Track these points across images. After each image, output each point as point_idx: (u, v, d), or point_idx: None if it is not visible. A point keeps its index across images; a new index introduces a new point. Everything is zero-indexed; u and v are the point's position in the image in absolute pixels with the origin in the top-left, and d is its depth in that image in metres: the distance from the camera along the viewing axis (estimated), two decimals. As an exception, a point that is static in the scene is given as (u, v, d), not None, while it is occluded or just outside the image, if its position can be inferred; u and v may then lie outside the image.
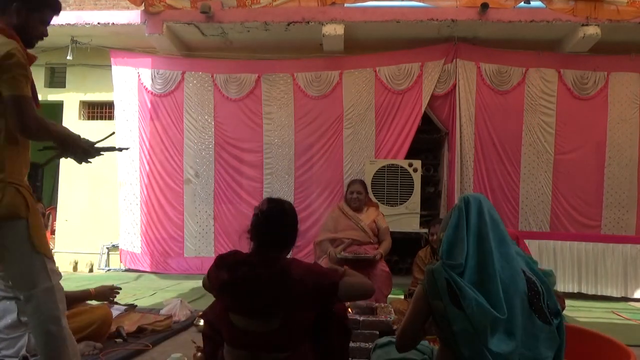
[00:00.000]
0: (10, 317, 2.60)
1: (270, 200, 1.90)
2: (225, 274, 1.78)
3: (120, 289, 3.27)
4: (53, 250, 7.29)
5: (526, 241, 4.81)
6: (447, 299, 1.61)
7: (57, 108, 7.29)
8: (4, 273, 1.94)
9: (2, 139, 1.80)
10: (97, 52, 6.83)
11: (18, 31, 1.84)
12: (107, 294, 3.10)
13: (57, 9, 1.97)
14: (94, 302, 3.17)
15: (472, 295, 1.57)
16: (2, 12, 1.84)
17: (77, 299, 2.82)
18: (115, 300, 3.31)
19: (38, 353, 2.53)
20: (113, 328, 3.04)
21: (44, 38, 1.97)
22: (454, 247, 1.69)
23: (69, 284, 5.43)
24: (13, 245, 1.78)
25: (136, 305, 3.70)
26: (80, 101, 7.11)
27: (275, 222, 1.85)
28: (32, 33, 1.91)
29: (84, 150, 1.98)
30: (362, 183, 4.52)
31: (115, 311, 3.25)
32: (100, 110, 7.22)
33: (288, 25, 6.16)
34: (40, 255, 1.81)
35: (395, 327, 2.80)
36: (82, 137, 1.99)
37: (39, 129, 1.80)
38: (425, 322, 1.75)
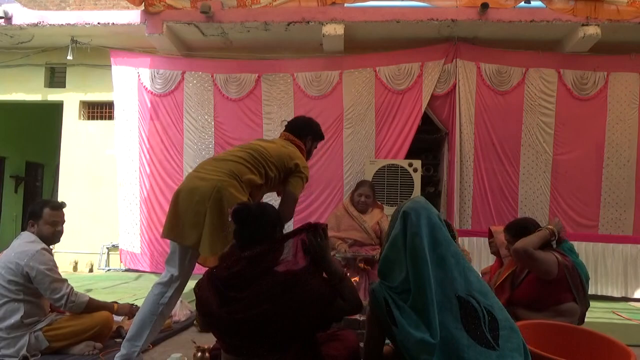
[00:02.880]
0: (14, 318, 2.64)
1: (238, 204, 2.06)
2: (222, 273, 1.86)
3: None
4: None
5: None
6: (386, 317, 1.62)
7: (57, 108, 7.29)
8: None
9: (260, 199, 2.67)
10: (97, 52, 6.84)
11: (305, 151, 2.86)
12: (129, 311, 3.16)
13: (322, 140, 3.04)
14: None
15: (399, 317, 1.57)
16: (300, 137, 2.85)
17: (104, 307, 2.98)
18: (116, 300, 3.31)
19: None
20: (113, 328, 3.05)
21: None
22: (391, 268, 1.66)
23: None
24: None
25: (137, 306, 3.68)
26: (80, 101, 7.10)
27: (245, 218, 1.94)
28: (309, 154, 2.94)
29: None
30: (372, 186, 4.50)
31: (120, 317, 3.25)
32: (100, 110, 7.21)
33: (288, 25, 6.17)
34: None
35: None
36: None
37: (288, 219, 2.69)
38: (383, 339, 1.76)
